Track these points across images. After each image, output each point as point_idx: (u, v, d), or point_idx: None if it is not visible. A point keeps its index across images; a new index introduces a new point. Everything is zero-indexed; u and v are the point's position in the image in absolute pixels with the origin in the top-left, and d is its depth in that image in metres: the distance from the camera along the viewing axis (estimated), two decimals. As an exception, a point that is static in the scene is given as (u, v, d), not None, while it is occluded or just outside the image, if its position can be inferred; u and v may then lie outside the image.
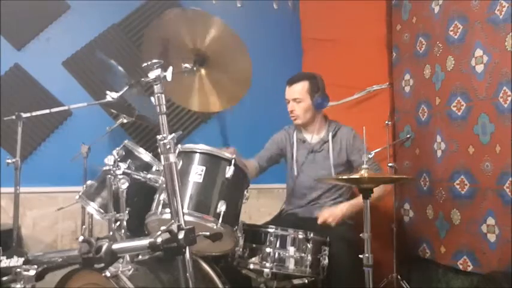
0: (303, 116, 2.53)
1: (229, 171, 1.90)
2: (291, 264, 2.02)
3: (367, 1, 3.15)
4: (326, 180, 2.51)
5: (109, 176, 1.83)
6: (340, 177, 2.35)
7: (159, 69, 1.43)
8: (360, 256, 1.93)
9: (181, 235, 1.04)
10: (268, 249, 2.02)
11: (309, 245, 2.05)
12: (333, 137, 2.54)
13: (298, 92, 2.51)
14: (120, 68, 2.12)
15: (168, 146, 1.41)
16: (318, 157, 2.56)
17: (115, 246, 1.07)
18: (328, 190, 2.52)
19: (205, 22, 1.75)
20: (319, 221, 2.23)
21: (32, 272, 1.10)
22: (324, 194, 2.53)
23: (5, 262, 1.11)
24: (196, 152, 1.94)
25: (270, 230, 2.05)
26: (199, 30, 1.76)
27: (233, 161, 1.92)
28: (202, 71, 1.88)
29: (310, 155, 2.56)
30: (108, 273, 1.69)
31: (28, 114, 2.51)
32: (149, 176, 1.98)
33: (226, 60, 1.87)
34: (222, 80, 1.93)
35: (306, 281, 2.10)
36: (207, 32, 1.75)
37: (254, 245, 2.05)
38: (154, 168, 2.06)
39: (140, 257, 1.89)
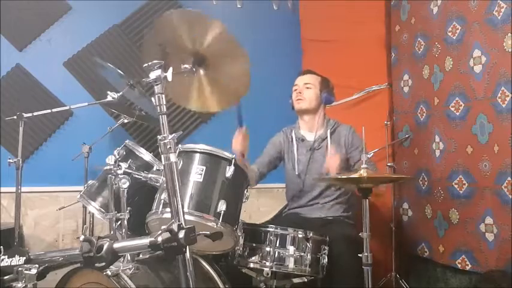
0: (308, 100, 2.58)
1: (230, 171, 1.91)
2: (290, 263, 2.03)
3: (366, 2, 3.16)
4: (325, 181, 2.52)
5: (110, 175, 1.84)
6: (339, 177, 2.36)
7: (160, 70, 1.44)
8: (359, 255, 1.95)
9: (181, 234, 1.05)
10: (268, 248, 2.02)
11: (309, 244, 2.06)
12: (332, 134, 2.56)
13: (310, 79, 2.62)
14: (119, 70, 2.14)
15: (168, 146, 1.41)
16: (317, 155, 2.56)
17: (116, 245, 1.08)
18: (328, 188, 2.54)
19: (204, 24, 1.75)
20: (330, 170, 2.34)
21: (34, 271, 1.11)
22: (324, 192, 2.54)
23: (7, 261, 1.12)
24: (197, 152, 1.94)
25: (269, 229, 2.06)
26: (198, 31, 1.76)
27: (233, 161, 1.93)
28: (201, 72, 1.89)
29: (310, 153, 2.57)
30: (109, 272, 1.70)
31: (29, 114, 2.53)
32: (150, 175, 1.99)
33: (225, 61, 1.87)
34: (221, 80, 1.93)
35: (306, 280, 2.10)
36: (206, 33, 1.76)
37: (254, 244, 2.05)
38: (155, 168, 2.06)
39: (141, 256, 1.90)
